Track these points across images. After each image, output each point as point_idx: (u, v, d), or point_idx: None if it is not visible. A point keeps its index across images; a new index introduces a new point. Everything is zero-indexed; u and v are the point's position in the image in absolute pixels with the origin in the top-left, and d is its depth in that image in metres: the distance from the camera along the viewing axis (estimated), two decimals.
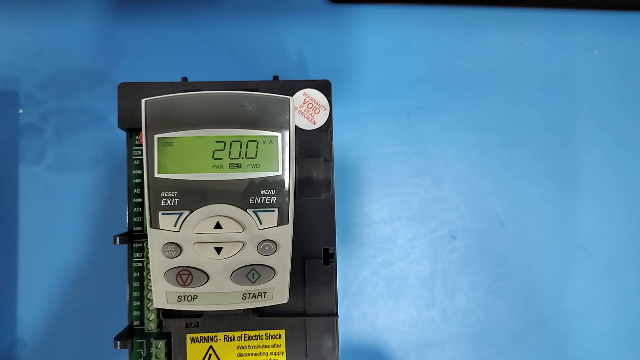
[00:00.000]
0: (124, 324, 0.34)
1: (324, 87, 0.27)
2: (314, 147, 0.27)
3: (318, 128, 0.27)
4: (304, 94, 0.27)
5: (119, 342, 0.24)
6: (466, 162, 0.41)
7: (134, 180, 0.27)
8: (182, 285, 0.23)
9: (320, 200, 0.27)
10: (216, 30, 0.41)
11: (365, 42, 0.41)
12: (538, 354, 0.40)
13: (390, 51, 0.41)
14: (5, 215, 0.39)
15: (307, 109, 0.27)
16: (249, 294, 0.24)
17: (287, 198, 0.24)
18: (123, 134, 0.39)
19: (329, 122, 0.27)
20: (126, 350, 0.30)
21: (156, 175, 0.23)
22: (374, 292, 0.40)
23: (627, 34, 0.43)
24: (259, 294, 0.24)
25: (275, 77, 0.28)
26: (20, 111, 0.40)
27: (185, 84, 0.27)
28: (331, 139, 0.27)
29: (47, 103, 0.40)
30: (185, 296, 0.24)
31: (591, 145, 0.42)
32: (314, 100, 0.27)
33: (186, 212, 0.23)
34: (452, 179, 0.41)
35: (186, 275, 0.23)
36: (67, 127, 0.40)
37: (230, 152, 0.24)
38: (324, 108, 0.27)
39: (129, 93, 0.27)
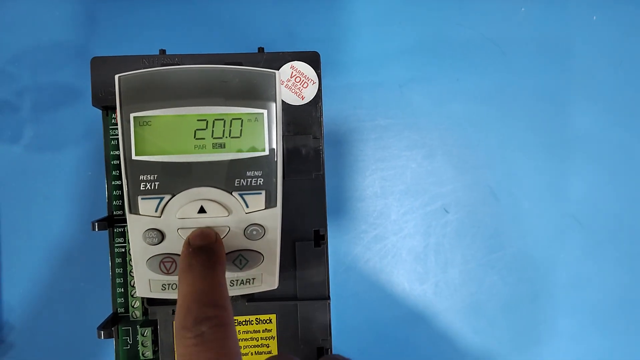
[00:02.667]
0: (109, 305, 0.34)
1: (313, 60, 0.25)
2: (302, 123, 0.26)
3: (307, 103, 0.26)
4: (291, 67, 0.25)
5: (102, 332, 0.24)
6: (459, 134, 0.40)
7: (113, 162, 0.25)
8: (165, 273, 0.22)
9: (310, 180, 0.26)
10: (198, 1, 0.39)
11: (355, 11, 0.40)
12: (530, 325, 0.40)
13: (382, 20, 0.40)
14: None
15: (294, 83, 0.25)
16: (237, 280, 0.23)
17: (274, 179, 0.22)
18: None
19: (318, 97, 0.26)
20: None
21: (134, 157, 0.22)
22: (366, 267, 0.40)
23: None
24: (248, 280, 0.23)
25: (261, 49, 0.26)
26: None
27: (163, 57, 0.25)
28: (321, 115, 0.26)
29: (21, 79, 0.39)
30: (169, 284, 0.22)
31: (585, 115, 0.41)
32: (302, 74, 0.25)
33: (167, 197, 0.22)
34: (445, 151, 0.40)
35: (170, 263, 0.22)
36: (44, 104, 0.38)
37: (213, 131, 0.22)
38: (312, 82, 0.25)
39: (103, 68, 0.25)
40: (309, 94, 0.26)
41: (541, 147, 0.40)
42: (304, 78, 0.25)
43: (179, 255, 0.22)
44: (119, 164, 0.25)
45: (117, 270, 0.25)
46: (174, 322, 0.18)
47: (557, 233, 0.40)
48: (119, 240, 0.25)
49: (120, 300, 0.25)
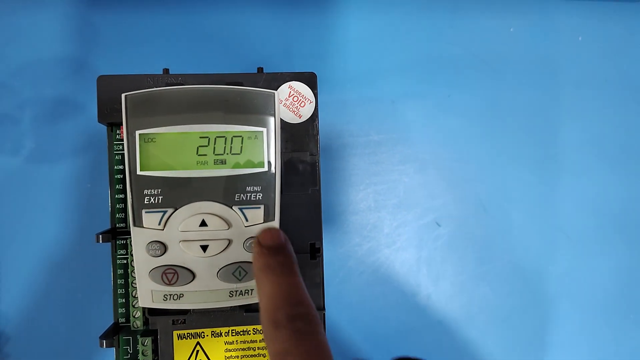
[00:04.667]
0: (108, 316, 0.34)
1: (310, 80, 0.27)
2: (300, 140, 0.27)
3: (304, 121, 0.27)
4: (289, 86, 0.26)
5: (104, 341, 0.24)
6: (451, 148, 0.41)
7: (116, 176, 0.26)
8: (167, 284, 0.23)
9: (307, 195, 0.27)
10: (196, 18, 0.40)
11: (349, 29, 0.41)
12: (521, 337, 0.41)
13: (375, 37, 0.41)
14: None
15: (292, 102, 0.26)
16: (236, 291, 0.24)
17: (273, 194, 0.23)
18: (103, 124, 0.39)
19: (314, 115, 0.27)
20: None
21: (139, 172, 0.23)
22: (360, 279, 0.40)
23: (611, 20, 0.43)
24: (246, 291, 0.24)
25: (260, 69, 0.27)
26: None
27: (166, 77, 0.26)
28: (317, 133, 0.27)
29: (22, 92, 0.39)
30: (171, 295, 0.23)
31: (573, 131, 0.42)
32: (300, 93, 0.26)
33: (170, 210, 0.23)
34: (437, 166, 0.41)
35: (172, 274, 0.23)
36: (44, 117, 0.39)
37: (214, 148, 0.23)
38: (309, 101, 0.27)
39: (109, 86, 0.26)
40: (306, 112, 0.27)
41: (531, 161, 0.41)
42: (301, 97, 0.26)
43: (181, 266, 0.23)
44: (123, 179, 0.26)
45: (119, 281, 0.26)
46: (261, 322, 0.19)
47: (546, 245, 0.41)
48: (121, 252, 0.26)
49: (121, 310, 0.26)
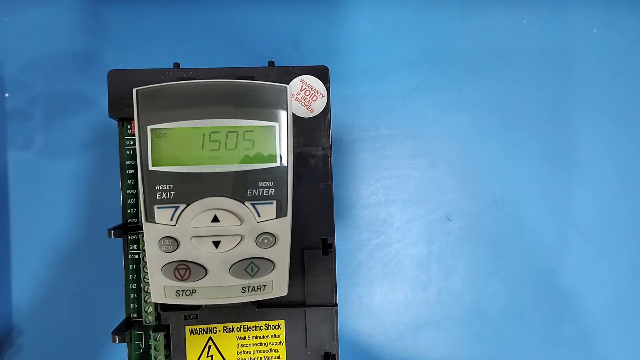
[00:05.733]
0: (119, 310, 0.34)
1: (322, 74, 0.26)
2: (311, 135, 0.26)
3: (316, 116, 0.26)
4: (301, 80, 0.26)
5: (117, 337, 0.24)
6: (462, 143, 0.41)
7: (128, 171, 0.26)
8: (180, 279, 0.23)
9: (319, 190, 0.27)
10: (206, 12, 0.40)
11: (360, 22, 0.40)
12: (532, 333, 0.41)
13: (386, 31, 0.41)
14: None
15: (304, 96, 0.26)
16: (248, 287, 0.23)
17: (285, 190, 0.23)
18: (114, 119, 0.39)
19: (327, 110, 0.27)
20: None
21: (150, 168, 0.23)
22: (369, 274, 0.40)
23: (625, 11, 0.42)
24: (259, 287, 0.24)
25: (271, 63, 0.27)
26: (7, 95, 0.39)
27: (177, 71, 0.26)
28: (329, 127, 0.27)
29: (34, 87, 0.39)
30: (183, 290, 0.23)
31: (587, 125, 0.41)
32: (311, 87, 0.26)
33: (182, 206, 0.23)
34: (448, 160, 0.41)
35: (184, 270, 0.23)
36: (55, 112, 0.39)
37: (226, 143, 0.23)
38: (321, 95, 0.26)
39: (119, 80, 0.26)
40: (318, 106, 0.26)
41: (544, 157, 0.41)
42: (313, 91, 0.26)
43: (193, 262, 0.23)
44: (134, 173, 0.26)
45: (131, 277, 0.26)
46: None
47: (559, 242, 0.41)
48: (133, 247, 0.26)
49: (133, 305, 0.26)
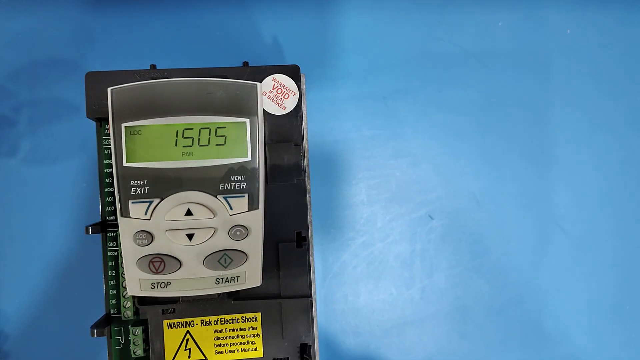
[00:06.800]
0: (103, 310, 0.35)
1: (293, 72, 0.27)
2: (284, 132, 0.27)
3: (288, 113, 0.27)
4: (273, 79, 0.27)
5: (95, 331, 0.25)
6: (443, 143, 0.41)
7: (106, 170, 0.27)
8: (154, 272, 0.24)
9: (292, 185, 0.27)
10: (188, 16, 0.40)
11: (341, 27, 0.41)
12: (516, 329, 0.41)
13: (366, 34, 0.41)
14: None
15: (276, 94, 0.27)
16: (222, 278, 0.24)
17: (257, 183, 0.24)
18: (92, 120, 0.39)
19: (299, 107, 0.27)
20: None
21: (125, 164, 0.23)
22: (354, 273, 0.41)
23: (598, 12, 0.43)
24: (232, 278, 0.24)
25: (245, 63, 0.28)
26: None
27: (153, 72, 0.27)
28: (301, 124, 0.27)
29: (19, 94, 0.40)
30: (158, 283, 0.24)
31: (564, 123, 0.42)
32: (283, 86, 0.27)
33: (156, 200, 0.23)
34: (429, 160, 0.41)
35: (158, 262, 0.24)
36: (40, 118, 0.40)
37: (199, 139, 0.24)
38: (293, 93, 0.27)
39: (97, 82, 0.27)
40: (290, 104, 0.27)
41: (523, 155, 0.41)
42: (285, 89, 0.27)
43: (167, 255, 0.24)
44: (111, 172, 0.27)
45: (110, 273, 0.27)
46: None
47: (540, 238, 0.41)
48: (112, 244, 0.27)
49: (112, 301, 0.27)
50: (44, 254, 0.39)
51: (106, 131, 0.27)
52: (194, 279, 0.24)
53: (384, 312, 0.41)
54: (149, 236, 0.23)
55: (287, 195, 0.27)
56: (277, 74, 0.27)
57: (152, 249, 0.24)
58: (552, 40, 0.43)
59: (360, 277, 0.41)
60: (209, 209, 0.24)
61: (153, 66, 0.28)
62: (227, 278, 0.24)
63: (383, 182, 0.41)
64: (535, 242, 0.41)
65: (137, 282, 0.24)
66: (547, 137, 0.42)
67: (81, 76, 0.39)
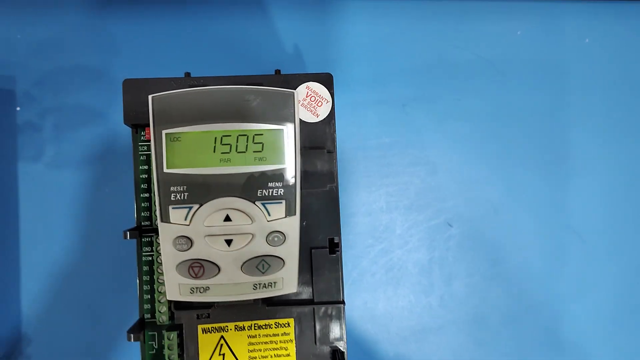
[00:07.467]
0: (128, 316, 0.35)
1: (326, 81, 0.28)
2: (317, 139, 0.28)
3: (321, 120, 0.28)
4: (307, 87, 0.27)
5: (132, 335, 0.25)
6: (460, 151, 0.41)
7: (141, 176, 0.27)
8: (194, 277, 0.24)
9: (325, 191, 0.28)
10: (213, 25, 0.41)
11: (360, 33, 0.42)
12: (533, 337, 0.41)
13: (385, 42, 0.42)
14: (6, 213, 0.39)
15: (309, 102, 0.27)
16: (260, 284, 0.24)
17: (293, 189, 0.24)
18: (122, 130, 0.39)
19: (331, 115, 0.28)
20: (135, 344, 0.31)
21: (165, 170, 0.24)
22: (373, 280, 0.41)
23: (616, 22, 0.44)
24: (269, 284, 0.24)
25: (277, 71, 0.28)
26: (18, 109, 0.40)
27: (189, 80, 0.27)
28: (334, 131, 0.28)
29: (44, 100, 0.40)
30: (197, 288, 0.24)
31: (582, 132, 0.42)
32: (317, 93, 0.27)
33: (196, 206, 0.24)
34: (447, 168, 0.41)
35: (198, 268, 0.24)
36: (65, 124, 0.40)
37: (237, 145, 0.24)
38: (326, 101, 0.27)
39: (134, 89, 0.27)
40: (323, 112, 0.28)
41: (540, 163, 0.42)
42: (318, 97, 0.27)
43: (206, 260, 0.24)
44: (147, 178, 0.27)
45: (144, 278, 0.27)
46: None
47: (557, 246, 0.41)
48: (146, 249, 0.27)
49: (146, 306, 0.27)
50: (66, 259, 0.39)
51: (142, 137, 0.28)
52: (232, 284, 0.24)
53: (402, 319, 0.41)
54: (189, 241, 0.24)
55: (320, 202, 0.27)
56: (311, 82, 0.27)
57: (192, 254, 0.24)
58: (570, 49, 0.43)
59: (379, 283, 0.41)
60: (247, 215, 0.24)
61: (187, 74, 0.28)
62: (265, 284, 0.24)
63: (402, 189, 0.41)
64: (553, 249, 0.41)
65: (176, 287, 0.24)
66: (564, 146, 0.42)
67: (105, 83, 0.40)
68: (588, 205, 0.42)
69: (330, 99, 0.28)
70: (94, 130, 0.40)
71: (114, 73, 0.40)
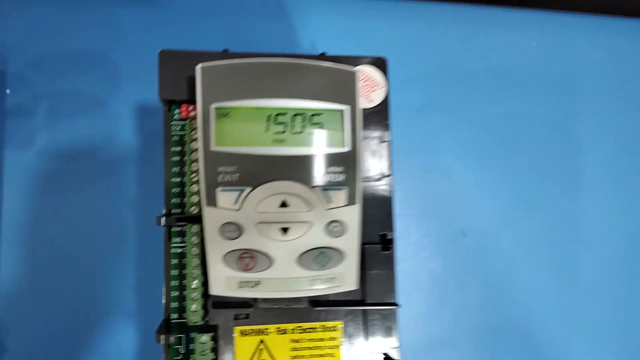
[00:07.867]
0: (131, 315, 0.32)
1: (380, 64, 0.26)
2: (370, 126, 0.26)
3: (375, 106, 0.26)
4: (360, 70, 0.25)
5: (162, 337, 0.22)
6: (474, 159, 0.41)
7: (173, 158, 0.24)
8: (243, 269, 0.21)
9: (377, 183, 0.25)
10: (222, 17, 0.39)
11: (377, 36, 0.41)
12: (545, 350, 0.40)
13: (401, 47, 0.41)
14: None
15: (363, 87, 0.25)
16: (317, 279, 0.22)
17: (355, 176, 0.22)
18: (123, 121, 0.37)
19: (386, 101, 0.26)
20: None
21: (213, 148, 0.21)
22: None
23: (627, 38, 0.45)
24: (328, 280, 0.22)
25: (322, 54, 0.26)
26: (8, 91, 0.37)
27: (229, 55, 0.25)
28: (388, 119, 0.26)
29: (38, 84, 0.37)
30: (247, 282, 0.21)
31: (593, 144, 0.43)
32: (370, 78, 0.25)
33: (247, 189, 0.21)
34: (461, 176, 0.41)
35: (249, 259, 0.21)
36: (60, 111, 0.37)
37: (293, 125, 0.22)
38: (380, 86, 0.25)
39: (171, 62, 0.24)
40: (377, 97, 0.26)
41: (552, 174, 0.42)
42: (371, 82, 0.25)
43: (257, 251, 0.21)
44: (179, 160, 0.24)
45: (173, 272, 0.23)
46: None
47: (569, 259, 0.41)
48: (176, 239, 0.24)
49: (174, 304, 0.23)
50: (51, 250, 0.35)
51: (175, 116, 0.25)
52: (286, 279, 0.21)
53: (415, 329, 0.39)
54: (237, 229, 0.21)
55: (372, 195, 0.25)
56: (364, 65, 0.25)
57: (241, 243, 0.21)
58: (582, 62, 0.44)
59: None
60: (305, 201, 0.21)
61: (226, 50, 0.26)
62: (323, 279, 0.22)
63: (416, 195, 0.40)
64: (564, 262, 0.41)
65: (222, 281, 0.21)
66: (575, 157, 0.42)
67: (108, 69, 0.37)
68: (600, 219, 0.42)
69: (384, 84, 0.26)
70: (92, 119, 0.37)
71: (117, 58, 0.38)
